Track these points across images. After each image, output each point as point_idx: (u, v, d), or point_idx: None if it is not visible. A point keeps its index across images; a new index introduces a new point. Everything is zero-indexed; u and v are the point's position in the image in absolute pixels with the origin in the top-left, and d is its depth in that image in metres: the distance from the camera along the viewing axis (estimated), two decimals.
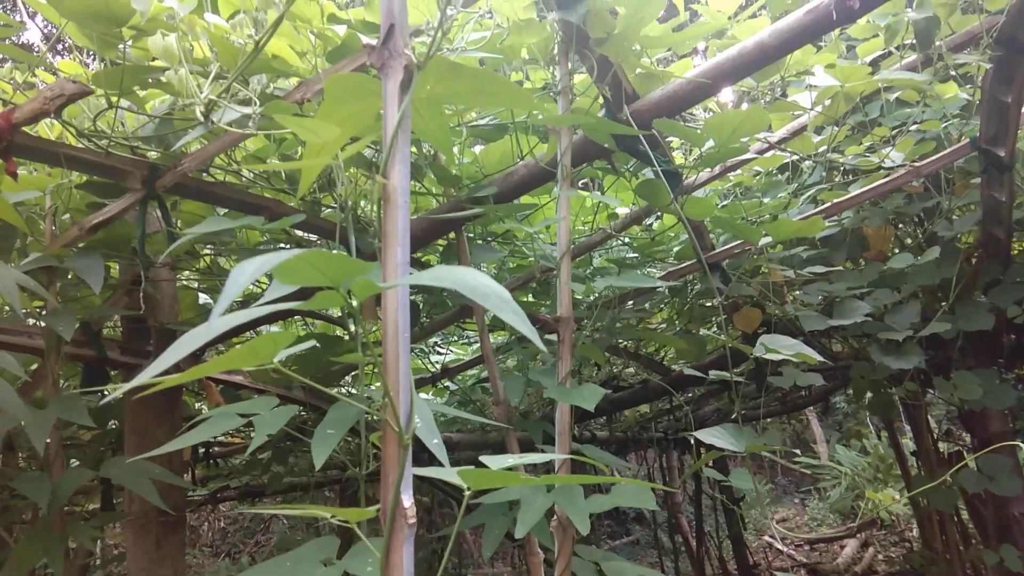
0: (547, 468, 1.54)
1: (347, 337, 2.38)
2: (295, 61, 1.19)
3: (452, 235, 1.90)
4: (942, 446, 4.28)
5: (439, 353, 3.45)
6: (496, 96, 0.71)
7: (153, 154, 1.47)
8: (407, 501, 0.59)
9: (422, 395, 3.39)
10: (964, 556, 3.69)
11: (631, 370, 4.29)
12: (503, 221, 1.65)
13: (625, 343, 3.74)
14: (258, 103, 1.05)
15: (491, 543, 1.34)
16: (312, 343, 0.70)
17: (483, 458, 0.66)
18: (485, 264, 2.61)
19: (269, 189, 1.77)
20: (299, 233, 1.86)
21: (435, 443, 0.76)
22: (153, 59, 1.23)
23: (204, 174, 1.64)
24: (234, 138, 1.17)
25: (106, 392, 2.35)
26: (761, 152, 1.97)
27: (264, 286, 2.39)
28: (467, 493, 0.62)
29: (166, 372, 0.49)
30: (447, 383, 3.25)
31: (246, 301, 2.25)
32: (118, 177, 1.35)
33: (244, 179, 1.71)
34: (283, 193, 1.71)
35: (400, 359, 0.61)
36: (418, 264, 1.97)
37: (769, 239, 1.63)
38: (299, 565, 0.80)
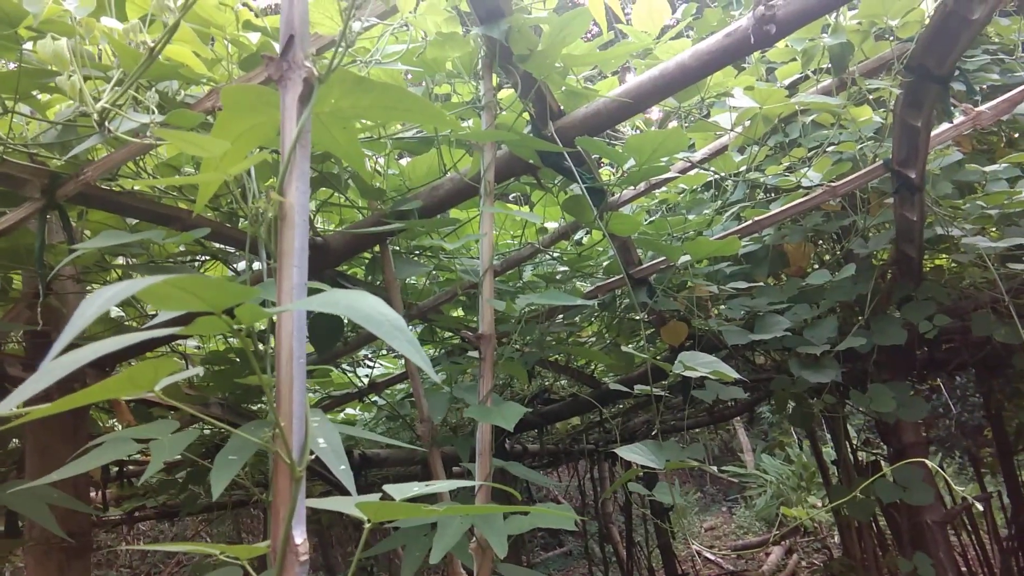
0: (470, 491, 1.53)
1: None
2: (201, 69, 1.15)
3: (377, 248, 1.87)
4: (861, 455, 4.44)
5: (368, 366, 3.39)
6: (406, 112, 0.69)
7: (58, 162, 1.39)
8: (299, 537, 0.56)
9: (348, 409, 3.32)
10: (881, 563, 3.82)
11: (563, 383, 4.31)
12: (430, 236, 1.63)
13: (556, 356, 3.75)
14: (156, 112, 1.01)
15: (411, 565, 1.31)
16: (197, 370, 0.66)
17: (386, 487, 0.63)
18: (415, 277, 2.58)
19: (183, 200, 1.70)
20: (216, 245, 1.79)
21: (342, 469, 0.73)
22: None
23: (114, 184, 1.57)
24: (140, 147, 1.11)
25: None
26: (684, 171, 2.00)
27: None
28: (367, 526, 0.60)
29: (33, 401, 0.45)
30: (375, 398, 3.19)
31: None
32: (15, 186, 1.27)
33: (157, 189, 1.64)
34: (193, 202, 1.65)
35: (294, 386, 0.59)
36: (343, 278, 1.92)
37: (688, 257, 1.65)
38: None
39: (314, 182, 1.64)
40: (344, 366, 3.04)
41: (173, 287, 0.40)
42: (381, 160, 1.95)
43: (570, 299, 1.32)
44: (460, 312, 2.68)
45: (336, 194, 1.85)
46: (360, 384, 2.91)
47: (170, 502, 3.86)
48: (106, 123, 0.97)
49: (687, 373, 1.26)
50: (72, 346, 0.37)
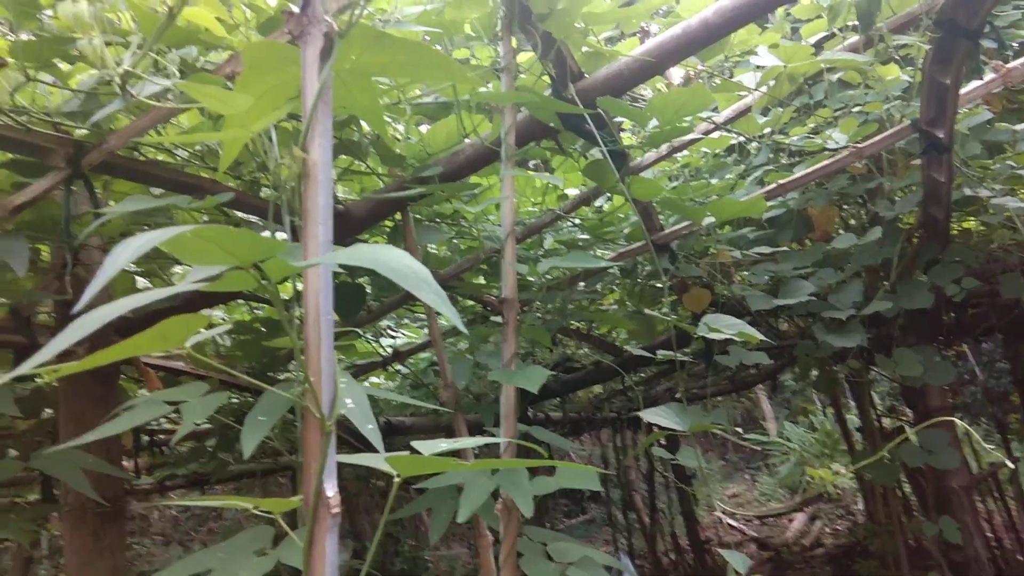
0: (495, 452, 1.53)
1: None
2: (221, 33, 1.14)
3: (399, 216, 1.87)
4: (886, 421, 4.41)
5: (391, 336, 3.41)
6: (426, 68, 0.68)
7: (82, 132, 1.40)
8: (330, 490, 0.57)
9: (373, 379, 3.35)
10: (906, 528, 3.81)
11: (584, 351, 4.31)
12: (450, 202, 1.62)
13: (578, 324, 3.75)
14: (178, 75, 1.01)
15: (439, 527, 1.32)
16: (227, 326, 0.67)
17: (414, 443, 0.64)
18: (435, 245, 2.58)
19: (207, 169, 1.71)
20: (239, 215, 1.80)
21: (370, 428, 0.74)
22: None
23: (136, 152, 1.57)
24: (162, 114, 1.12)
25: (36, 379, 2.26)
26: (707, 132, 1.97)
27: None
28: (396, 480, 0.60)
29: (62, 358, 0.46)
30: (399, 367, 3.21)
31: None
32: (40, 155, 1.28)
33: (180, 158, 1.65)
34: (217, 172, 1.65)
35: (322, 342, 0.59)
36: (363, 243, 1.93)
37: (713, 219, 1.63)
38: (232, 555, 0.77)
39: (335, 149, 1.64)
40: (368, 336, 3.06)
41: (200, 239, 0.41)
42: (400, 127, 1.94)
43: (593, 261, 1.32)
44: (482, 280, 2.68)
45: (356, 162, 1.85)
46: (384, 353, 2.93)
47: (200, 470, 3.94)
48: (127, 87, 0.97)
49: (711, 335, 1.25)
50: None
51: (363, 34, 0.62)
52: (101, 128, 1.36)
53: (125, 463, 3.15)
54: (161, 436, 3.40)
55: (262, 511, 0.61)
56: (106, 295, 1.85)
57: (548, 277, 2.65)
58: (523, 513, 0.99)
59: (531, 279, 2.72)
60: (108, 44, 1.00)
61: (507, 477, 1.11)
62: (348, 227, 1.68)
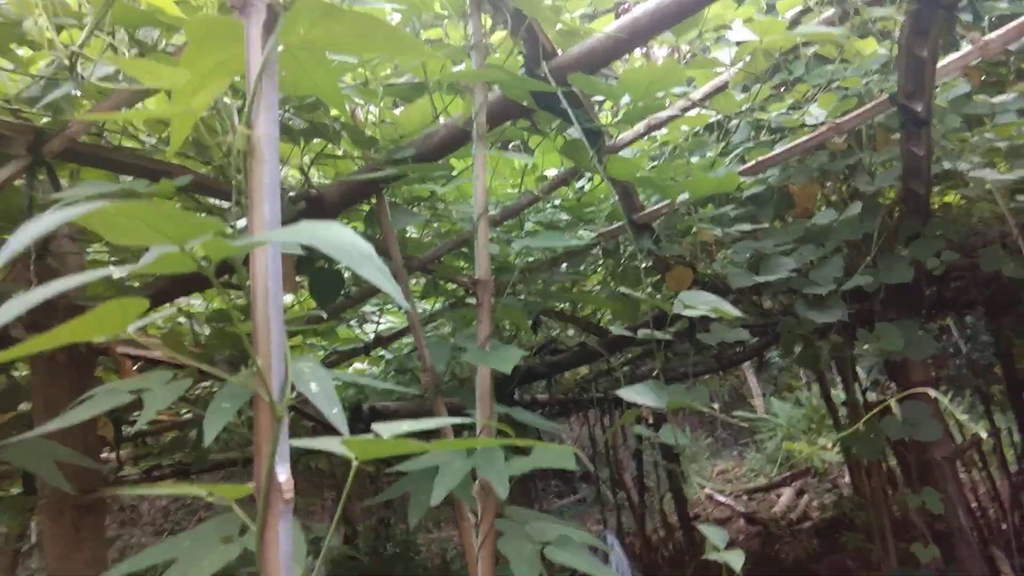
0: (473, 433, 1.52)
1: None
2: (177, 12, 1.11)
3: (375, 201, 1.85)
4: (871, 396, 4.44)
5: (375, 322, 3.39)
6: (381, 42, 0.66)
7: (44, 119, 1.37)
8: (282, 475, 0.56)
9: (356, 365, 3.34)
10: (890, 500, 3.85)
11: (570, 333, 4.31)
12: (424, 183, 1.61)
13: (562, 306, 3.75)
14: (127, 54, 0.98)
15: (418, 510, 1.32)
16: (171, 311, 0.65)
17: (375, 425, 0.63)
18: (414, 229, 2.56)
19: (179, 156, 1.68)
20: (212, 201, 1.78)
21: (335, 412, 0.73)
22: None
23: (103, 140, 1.54)
24: (123, 98, 1.09)
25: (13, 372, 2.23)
26: (685, 110, 1.96)
27: None
28: (355, 464, 0.59)
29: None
30: (382, 352, 3.20)
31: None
32: (1, 144, 1.25)
33: (149, 145, 1.62)
34: (190, 159, 1.63)
35: (272, 324, 0.58)
36: None
37: (687, 195, 1.63)
38: (198, 543, 0.76)
39: (306, 133, 1.62)
40: (352, 322, 3.05)
41: (125, 216, 0.39)
42: (374, 109, 1.92)
43: (565, 240, 1.30)
44: (463, 264, 2.67)
45: (330, 146, 1.83)
46: (366, 339, 2.92)
47: (185, 460, 3.92)
48: (78, 68, 0.94)
49: (687, 312, 1.25)
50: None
51: (310, 6, 0.60)
52: (64, 115, 1.33)
53: (106, 453, 3.13)
54: (145, 427, 3.38)
55: (217, 499, 0.60)
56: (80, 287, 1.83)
57: (529, 259, 2.64)
58: (498, 494, 0.98)
59: (515, 261, 2.71)
60: (61, 28, 0.98)
61: (483, 458, 1.10)
62: (322, 212, 1.66)
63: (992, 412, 5.49)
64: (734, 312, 1.26)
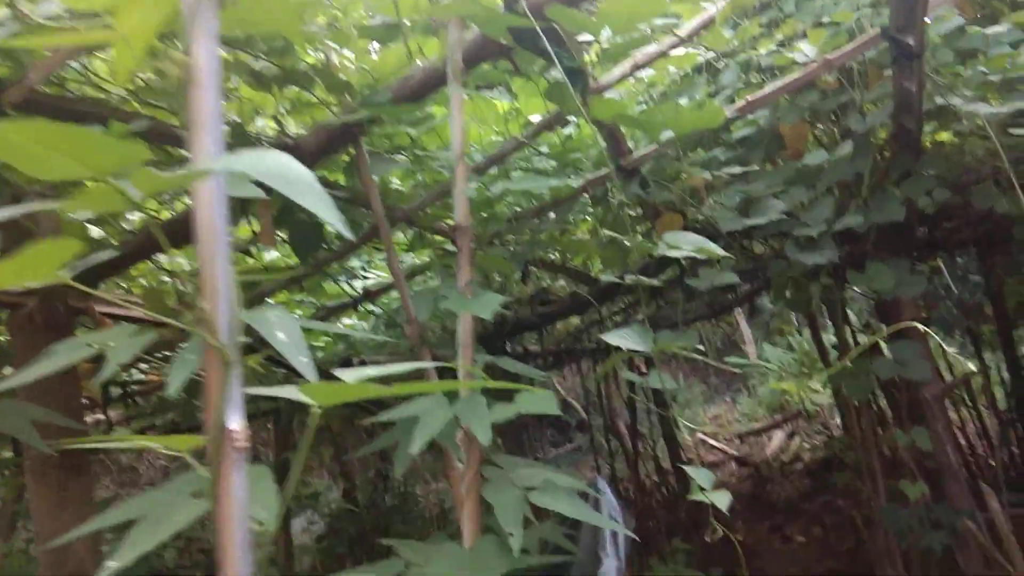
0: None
1: (264, 269, 2.27)
2: None
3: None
4: (861, 338, 4.46)
5: (364, 277, 3.36)
6: None
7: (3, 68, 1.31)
8: (234, 424, 0.53)
9: (345, 320, 3.32)
10: (880, 439, 3.89)
11: (561, 283, 4.29)
12: (401, 124, 1.56)
13: (553, 256, 3.72)
14: None
15: (402, 461, 1.31)
16: (109, 253, 0.62)
17: (337, 370, 0.60)
18: (400, 182, 2.52)
19: (148, 106, 1.62)
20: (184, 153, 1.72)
21: (303, 361, 0.70)
22: None
23: (67, 92, 1.49)
24: (75, 46, 1.04)
25: None
26: (672, 47, 1.90)
27: None
28: (315, 411, 0.57)
29: None
30: (371, 307, 3.18)
31: None
32: None
33: (115, 95, 1.57)
34: (160, 109, 1.57)
35: (217, 263, 0.54)
36: (320, 183, 1.85)
37: (671, 133, 1.58)
38: (168, 497, 0.74)
39: (278, 80, 1.56)
40: (340, 277, 3.01)
41: (35, 142, 0.35)
42: (350, 54, 1.86)
43: (545, 183, 1.27)
44: (451, 217, 2.62)
45: (307, 95, 1.77)
46: (355, 294, 2.89)
47: (178, 419, 3.93)
48: (15, 5, 0.89)
49: (671, 253, 1.22)
50: None
51: None
52: (23, 64, 1.27)
53: (93, 416, 3.12)
54: (134, 387, 3.37)
55: (170, 449, 0.57)
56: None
57: (517, 208, 2.60)
58: (481, 441, 0.97)
59: (502, 210, 2.67)
60: None
61: (465, 406, 1.09)
62: (300, 163, 1.61)
63: (982, 352, 5.54)
64: (719, 252, 1.24)
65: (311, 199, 0.38)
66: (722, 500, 1.09)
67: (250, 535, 0.54)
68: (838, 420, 7.16)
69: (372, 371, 0.58)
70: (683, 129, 1.49)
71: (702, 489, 1.09)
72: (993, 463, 4.76)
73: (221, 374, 0.53)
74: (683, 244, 1.21)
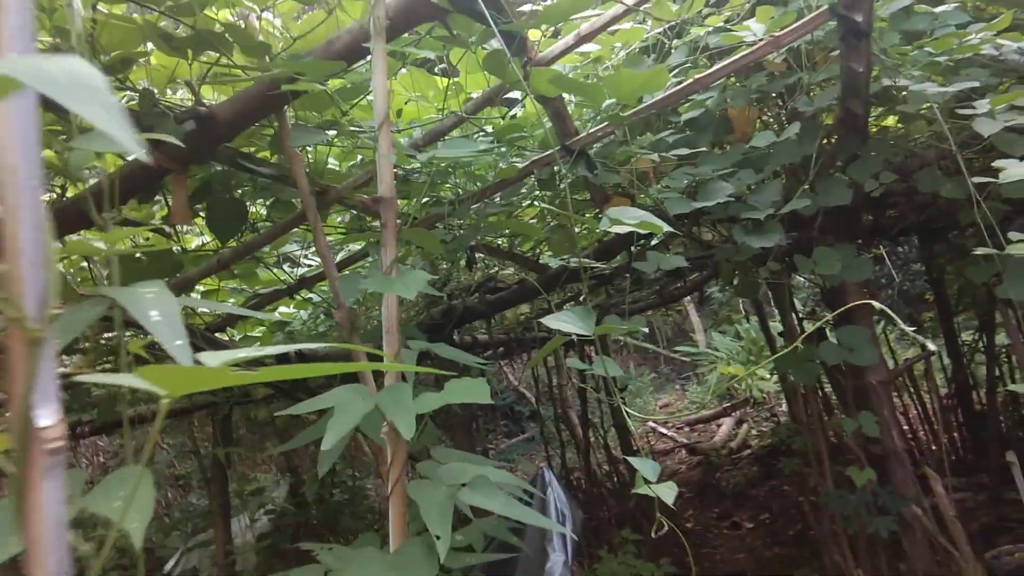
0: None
1: (177, 248, 2.13)
2: None
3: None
4: (808, 325, 4.48)
5: (307, 266, 3.21)
6: None
7: None
8: (45, 420, 0.42)
9: (282, 308, 3.17)
10: (826, 425, 3.91)
11: (510, 271, 4.20)
12: (323, 88, 1.44)
13: (500, 242, 3.63)
14: None
15: (327, 458, 1.20)
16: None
17: (201, 355, 0.50)
18: (335, 160, 2.39)
19: None
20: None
21: (178, 345, 0.60)
22: None
23: None
24: None
25: None
26: (617, 17, 1.81)
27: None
28: (164, 401, 0.47)
29: None
30: (310, 294, 3.04)
31: None
32: None
33: None
34: None
35: (23, 215, 0.43)
36: (244, 158, 1.73)
37: (612, 100, 1.50)
38: None
39: (190, 42, 1.42)
40: (278, 264, 2.86)
41: None
42: (277, 22, 1.73)
43: (474, 146, 1.17)
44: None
45: (225, 60, 1.63)
46: (290, 280, 2.75)
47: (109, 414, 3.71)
48: None
49: (614, 228, 1.14)
50: None
51: None
52: None
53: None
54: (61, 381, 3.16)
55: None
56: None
57: (460, 191, 2.49)
58: (402, 434, 0.86)
59: (442, 195, 2.56)
60: None
61: (387, 396, 0.98)
62: (215, 133, 1.48)
63: (924, 338, 5.63)
64: (663, 226, 1.16)
65: (90, 106, 0.29)
66: (668, 494, 1.01)
67: (68, 562, 0.43)
68: (785, 407, 7.25)
69: (243, 353, 0.48)
70: (625, 92, 1.40)
71: (647, 482, 1.02)
72: (935, 448, 4.86)
73: (28, 356, 0.42)
74: (626, 219, 1.12)
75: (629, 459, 1.12)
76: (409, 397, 0.94)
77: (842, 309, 1.72)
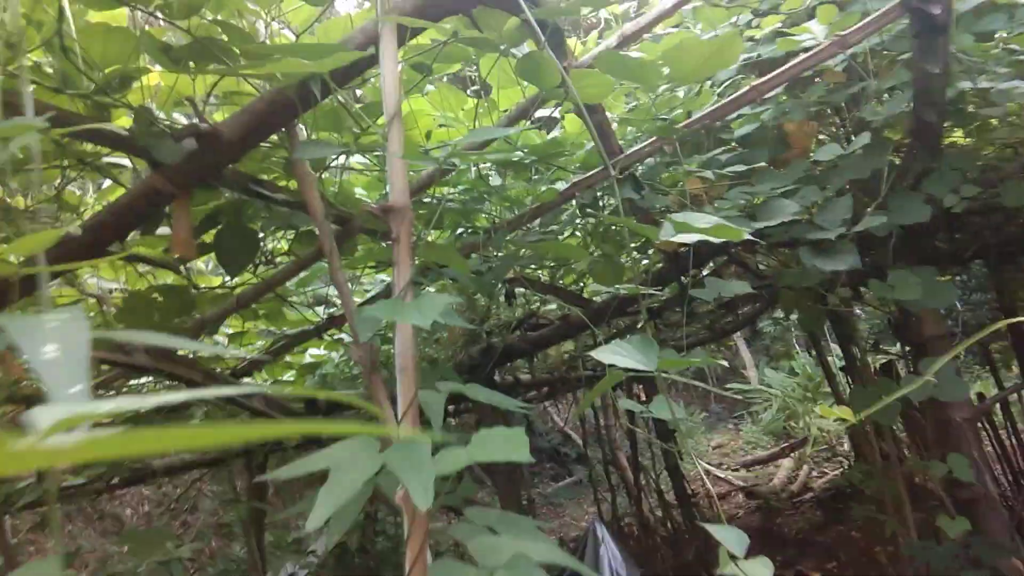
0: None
1: (195, 288, 1.98)
2: None
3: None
4: (871, 360, 4.17)
5: (335, 304, 3.05)
6: None
7: None
8: None
9: (312, 350, 3.00)
10: (905, 467, 3.58)
11: (552, 307, 4.00)
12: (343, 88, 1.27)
13: (540, 275, 3.43)
14: None
15: (337, 527, 0.99)
16: None
17: (34, 409, 0.31)
18: (362, 187, 2.24)
19: (62, 96, 1.34)
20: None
21: (75, 392, 0.41)
22: None
23: None
24: None
25: None
26: (661, 16, 1.62)
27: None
28: None
29: None
30: (340, 334, 2.87)
31: None
32: None
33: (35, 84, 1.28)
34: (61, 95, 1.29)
35: None
36: (257, 183, 1.57)
37: (669, 85, 1.30)
38: None
39: (189, 51, 1.27)
40: (302, 302, 2.70)
41: None
42: (289, 33, 1.58)
43: (501, 131, 0.98)
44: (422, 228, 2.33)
45: (231, 78, 1.48)
46: (318, 319, 2.58)
47: (136, 466, 3.57)
48: None
49: (679, 237, 0.93)
50: None
51: None
52: None
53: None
54: None
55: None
56: None
57: (496, 219, 2.31)
58: (417, 504, 0.66)
59: (481, 223, 2.39)
60: None
61: (398, 453, 0.77)
62: (218, 152, 1.32)
63: (997, 370, 5.28)
64: (744, 232, 0.95)
65: None
66: (763, 572, 0.79)
67: None
68: (846, 446, 6.84)
69: (111, 405, 0.29)
70: (687, 72, 1.20)
71: (733, 558, 0.79)
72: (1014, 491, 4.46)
73: None
74: (697, 224, 0.91)
75: (706, 526, 0.89)
76: (426, 456, 0.73)
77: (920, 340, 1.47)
